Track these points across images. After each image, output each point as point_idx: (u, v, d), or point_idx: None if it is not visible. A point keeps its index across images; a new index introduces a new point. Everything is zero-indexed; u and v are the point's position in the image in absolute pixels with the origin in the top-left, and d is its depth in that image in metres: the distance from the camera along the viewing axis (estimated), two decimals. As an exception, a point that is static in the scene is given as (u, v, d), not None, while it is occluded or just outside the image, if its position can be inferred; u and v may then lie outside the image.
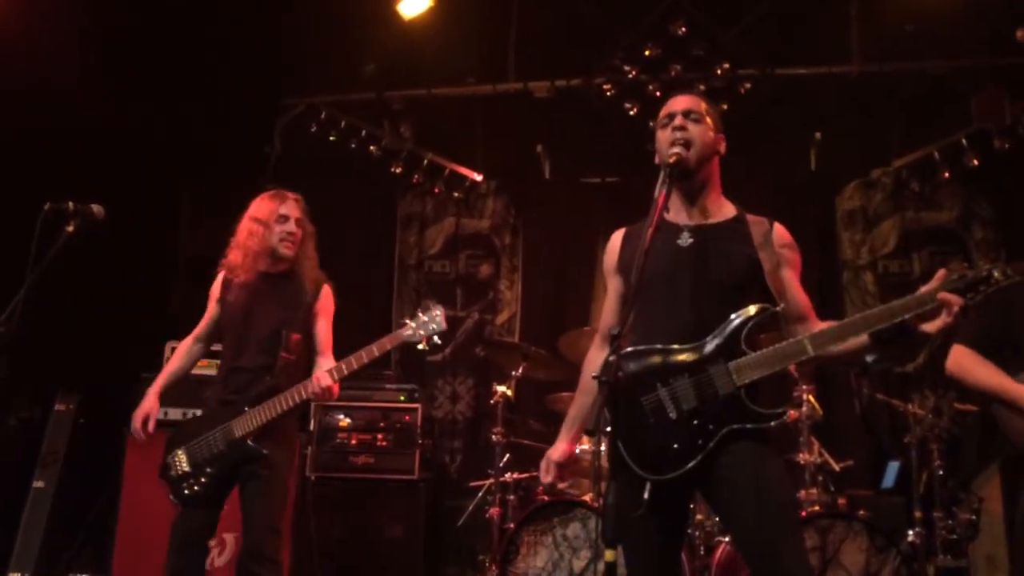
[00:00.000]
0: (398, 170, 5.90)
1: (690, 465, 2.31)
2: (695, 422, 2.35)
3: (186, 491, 3.41)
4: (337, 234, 6.21)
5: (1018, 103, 5.06)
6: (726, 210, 2.67)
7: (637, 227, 2.71)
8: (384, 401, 5.05)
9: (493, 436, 4.66)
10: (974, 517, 4.40)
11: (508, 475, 4.74)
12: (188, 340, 3.74)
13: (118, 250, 5.15)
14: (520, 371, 4.74)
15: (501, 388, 4.71)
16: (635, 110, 5.60)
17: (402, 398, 5.06)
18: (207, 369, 4.18)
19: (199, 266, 4.31)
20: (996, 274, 2.28)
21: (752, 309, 2.41)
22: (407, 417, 4.99)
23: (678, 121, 2.57)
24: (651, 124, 5.38)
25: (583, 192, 6.14)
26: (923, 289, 2.32)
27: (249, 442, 3.37)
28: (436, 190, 6.11)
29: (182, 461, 3.45)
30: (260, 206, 3.61)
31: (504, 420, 4.69)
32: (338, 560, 4.75)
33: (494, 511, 4.59)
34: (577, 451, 4.55)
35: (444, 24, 5.51)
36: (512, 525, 4.29)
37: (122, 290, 5.33)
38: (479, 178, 6.09)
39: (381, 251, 6.29)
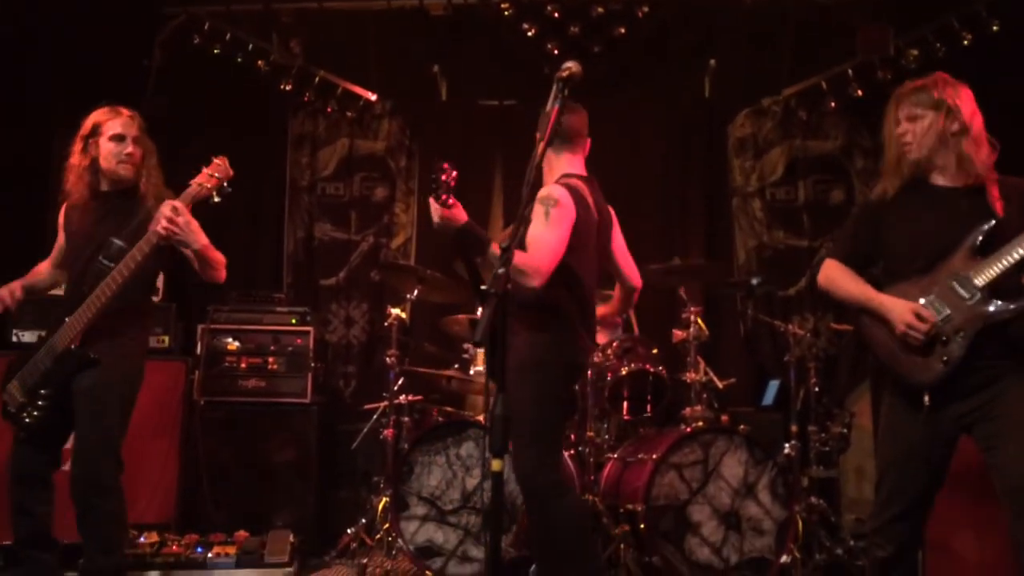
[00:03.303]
0: (288, 87, 5.66)
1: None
2: None
3: (27, 420, 3.29)
4: (224, 154, 5.97)
5: (901, 35, 5.22)
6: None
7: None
8: (275, 324, 4.94)
9: (387, 359, 4.64)
10: (845, 431, 4.66)
11: (402, 397, 4.75)
12: (47, 262, 3.62)
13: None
14: (415, 294, 4.71)
15: (395, 311, 4.67)
16: (533, 31, 5.51)
17: (293, 321, 4.96)
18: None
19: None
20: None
21: None
22: (299, 340, 4.91)
23: None
24: (549, 46, 5.43)
25: (480, 115, 6.04)
26: None
27: (73, 348, 3.25)
28: (328, 110, 5.91)
29: (17, 392, 3.32)
30: (90, 122, 3.42)
31: (398, 343, 4.67)
32: (229, 485, 4.69)
33: (388, 433, 4.60)
34: (472, 373, 4.63)
35: (336, -67, 5.28)
36: (406, 446, 4.31)
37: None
38: (373, 98, 5.92)
39: (271, 172, 6.07)
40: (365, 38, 5.82)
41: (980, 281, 2.61)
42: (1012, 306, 2.59)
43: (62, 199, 3.51)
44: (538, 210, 3.02)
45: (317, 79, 5.75)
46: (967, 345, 2.60)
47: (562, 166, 3.23)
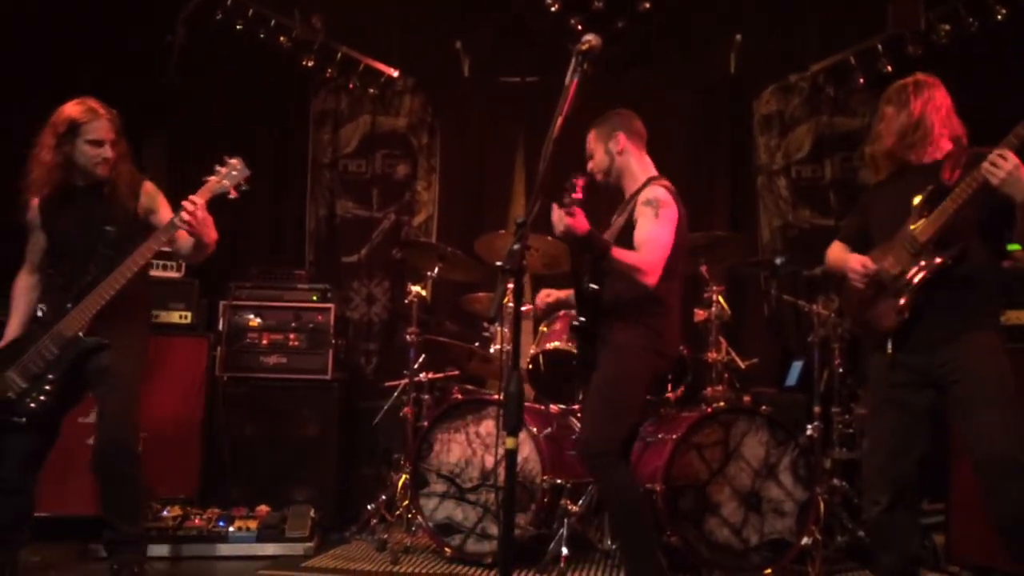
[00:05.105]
0: (310, 63, 5.66)
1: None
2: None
3: (32, 404, 3.32)
4: (247, 130, 6.00)
5: (933, 9, 5.09)
6: (637, 185, 3.40)
7: None
8: (296, 301, 4.95)
9: (408, 336, 4.64)
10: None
11: (423, 375, 4.75)
12: (23, 275, 3.63)
13: (8, 150, 4.84)
14: (436, 272, 4.70)
15: (416, 288, 4.66)
16: (556, 7, 5.45)
17: (314, 298, 4.97)
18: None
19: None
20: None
21: None
22: (319, 317, 4.92)
23: (588, 167, 3.49)
24: (572, 22, 5.37)
25: (502, 91, 5.99)
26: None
27: (82, 336, 3.33)
28: (351, 86, 5.89)
29: (16, 381, 3.35)
30: (66, 120, 3.43)
31: (419, 320, 4.67)
32: (250, 460, 4.73)
33: (408, 410, 4.61)
34: (492, 351, 4.61)
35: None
36: (426, 423, 4.32)
37: (15, 191, 5.02)
38: (395, 74, 5.89)
39: (293, 149, 6.07)
40: (387, 14, 5.80)
41: (923, 237, 2.88)
42: (939, 258, 2.85)
43: (29, 194, 3.52)
44: (647, 211, 3.23)
45: (339, 55, 5.74)
46: (915, 296, 2.87)
47: (646, 167, 3.47)
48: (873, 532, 3.09)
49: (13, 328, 3.54)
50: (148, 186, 3.59)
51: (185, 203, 3.32)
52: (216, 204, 5.26)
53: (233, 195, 3.46)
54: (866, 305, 3.04)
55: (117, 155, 3.49)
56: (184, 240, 3.47)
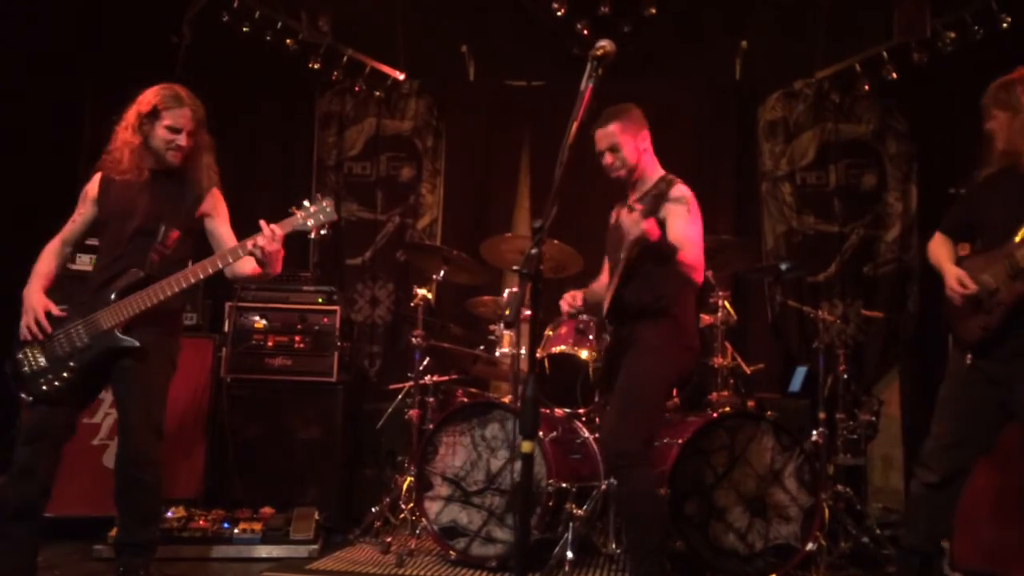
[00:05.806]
0: (316, 66, 5.66)
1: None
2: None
3: (44, 387, 3.23)
4: (252, 132, 6.00)
5: (938, 16, 5.11)
6: (650, 183, 3.46)
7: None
8: (301, 303, 4.94)
9: (413, 339, 4.64)
10: (874, 419, 4.62)
11: (428, 378, 4.75)
12: (55, 242, 3.52)
13: (14, 148, 4.85)
14: (441, 275, 4.70)
15: (421, 291, 4.67)
16: (563, 11, 5.45)
17: (320, 300, 4.96)
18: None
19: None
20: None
21: None
22: (325, 319, 4.91)
23: (607, 160, 3.47)
24: (579, 26, 5.37)
25: (508, 95, 6.01)
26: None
27: (118, 333, 3.25)
28: (356, 88, 5.89)
29: (36, 356, 3.26)
30: (150, 102, 3.38)
31: (424, 323, 4.67)
32: (255, 462, 4.71)
33: (413, 413, 4.61)
34: (497, 354, 4.62)
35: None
36: (431, 426, 4.32)
37: (21, 190, 5.03)
38: (401, 77, 5.89)
39: (299, 151, 6.08)
40: (394, 17, 5.80)
41: (1022, 261, 2.90)
42: None
43: (98, 167, 3.48)
44: (679, 209, 3.29)
45: (345, 58, 5.74)
46: (1003, 317, 2.94)
47: (656, 164, 3.56)
48: (912, 504, 3.25)
49: (38, 283, 3.39)
50: (216, 191, 3.53)
51: (264, 228, 3.22)
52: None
53: (314, 235, 3.34)
54: (957, 313, 3.12)
55: (193, 146, 3.43)
56: (244, 264, 3.36)
